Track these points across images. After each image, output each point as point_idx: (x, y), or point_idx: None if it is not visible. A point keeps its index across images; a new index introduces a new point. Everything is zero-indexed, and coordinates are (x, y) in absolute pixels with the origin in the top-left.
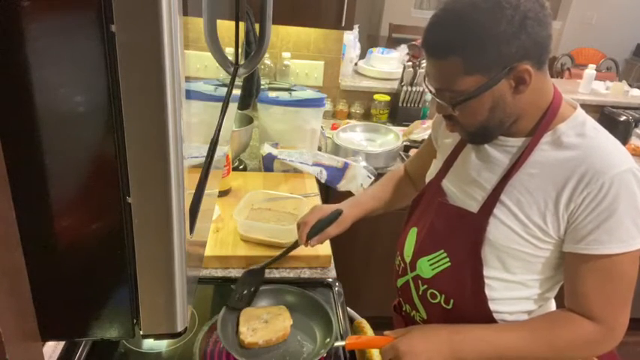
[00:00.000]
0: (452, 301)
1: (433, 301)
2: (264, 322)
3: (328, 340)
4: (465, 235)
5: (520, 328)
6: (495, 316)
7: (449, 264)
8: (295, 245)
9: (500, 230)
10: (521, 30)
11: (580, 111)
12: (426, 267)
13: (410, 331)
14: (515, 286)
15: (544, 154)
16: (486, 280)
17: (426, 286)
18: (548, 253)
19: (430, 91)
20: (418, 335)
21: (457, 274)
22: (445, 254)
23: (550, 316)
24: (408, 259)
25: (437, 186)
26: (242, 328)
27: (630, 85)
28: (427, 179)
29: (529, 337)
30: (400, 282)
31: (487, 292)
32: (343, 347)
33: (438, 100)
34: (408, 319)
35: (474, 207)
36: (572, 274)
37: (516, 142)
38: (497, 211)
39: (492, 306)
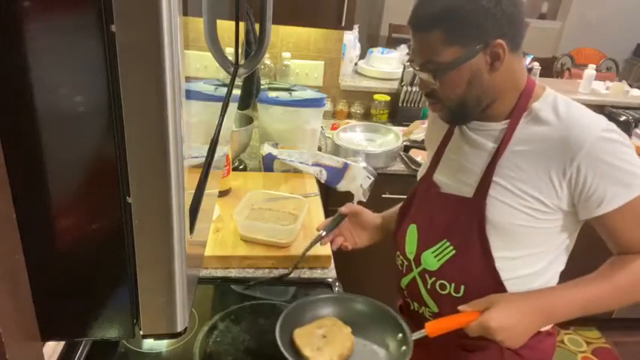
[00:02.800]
0: (462, 287)
1: (443, 292)
2: (324, 338)
3: (401, 335)
4: (465, 220)
5: (598, 280)
6: None
7: (454, 252)
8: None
9: (498, 208)
10: (497, 6)
11: (550, 90)
12: (431, 259)
13: (493, 303)
14: (520, 263)
15: (525, 131)
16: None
17: (433, 279)
18: (547, 224)
19: (414, 69)
20: (505, 308)
21: (463, 260)
22: (448, 243)
23: (617, 262)
24: (411, 256)
25: (429, 180)
26: (308, 352)
27: (630, 85)
28: (419, 177)
29: (609, 287)
30: (405, 281)
31: (499, 272)
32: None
33: (421, 75)
34: (417, 317)
35: (468, 192)
36: (609, 232)
37: (497, 126)
38: (492, 191)
39: (502, 287)
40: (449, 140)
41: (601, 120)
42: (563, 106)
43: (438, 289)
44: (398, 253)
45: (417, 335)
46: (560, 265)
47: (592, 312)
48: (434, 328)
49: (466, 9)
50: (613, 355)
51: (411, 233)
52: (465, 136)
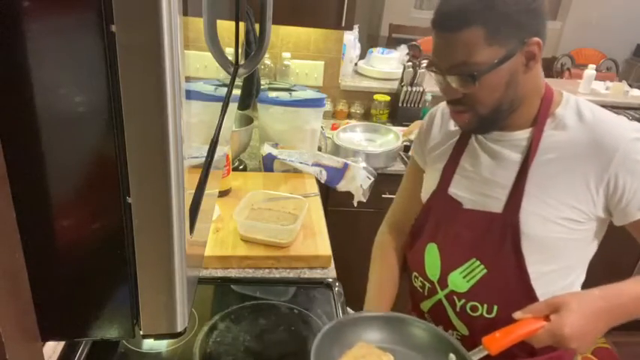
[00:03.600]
0: (495, 308)
1: (474, 314)
2: None
3: (453, 356)
4: (496, 236)
5: None
6: None
7: (485, 271)
8: None
9: (533, 221)
10: (535, 2)
11: (568, 94)
12: (460, 280)
13: (560, 306)
14: (554, 277)
15: (554, 138)
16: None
17: (463, 301)
18: (581, 234)
19: (438, 74)
20: (578, 310)
21: (497, 279)
22: (478, 262)
23: None
24: (435, 278)
25: (444, 196)
26: None
27: (630, 85)
28: (424, 196)
29: None
30: (428, 304)
31: (534, 288)
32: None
33: (451, 80)
34: None
35: (497, 207)
36: None
37: (522, 135)
38: (526, 203)
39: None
40: (462, 152)
41: (626, 120)
42: (587, 109)
43: (469, 311)
44: (415, 274)
45: (476, 354)
46: (584, 274)
47: None
48: (495, 344)
49: (507, 4)
50: (613, 355)
51: (431, 253)
52: (485, 148)
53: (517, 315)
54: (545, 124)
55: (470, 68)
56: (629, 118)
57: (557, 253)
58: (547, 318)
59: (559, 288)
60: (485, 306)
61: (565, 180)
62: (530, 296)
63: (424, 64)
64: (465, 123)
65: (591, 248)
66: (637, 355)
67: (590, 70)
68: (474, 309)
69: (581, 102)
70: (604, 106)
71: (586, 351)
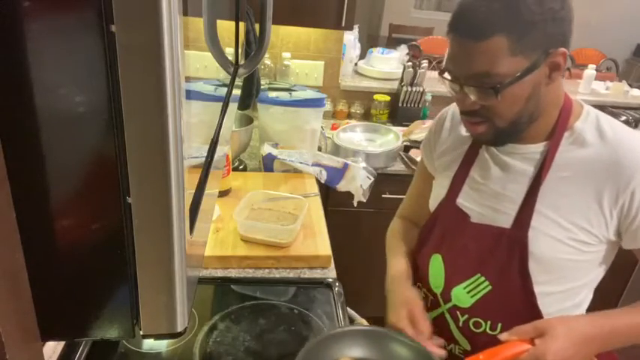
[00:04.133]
0: (499, 325)
1: (477, 331)
2: None
3: None
4: (503, 253)
5: None
6: None
7: (489, 287)
8: None
9: (542, 242)
10: (562, 10)
11: (588, 107)
12: (463, 295)
13: (547, 330)
14: (561, 297)
15: (570, 154)
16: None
17: (466, 316)
18: (590, 256)
19: (455, 82)
20: (565, 336)
21: (501, 297)
22: (483, 278)
23: None
24: (438, 290)
25: (452, 207)
26: None
27: (630, 85)
28: (432, 204)
29: None
30: (431, 316)
31: (540, 307)
32: None
33: (470, 89)
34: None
35: (505, 222)
36: None
37: (537, 148)
38: (536, 222)
39: None
40: (472, 161)
41: None
42: (608, 125)
43: (472, 327)
44: (419, 284)
45: None
46: (591, 294)
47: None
48: None
49: (533, 12)
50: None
51: (435, 265)
52: (496, 160)
53: (503, 337)
54: (562, 137)
55: (491, 80)
56: (629, 119)
57: (565, 275)
58: (532, 341)
59: (565, 308)
60: (488, 323)
61: (578, 200)
62: (535, 315)
63: (424, 64)
64: (480, 134)
65: (600, 271)
66: (637, 356)
67: (590, 70)
68: (477, 325)
69: (601, 116)
70: (604, 106)
71: None
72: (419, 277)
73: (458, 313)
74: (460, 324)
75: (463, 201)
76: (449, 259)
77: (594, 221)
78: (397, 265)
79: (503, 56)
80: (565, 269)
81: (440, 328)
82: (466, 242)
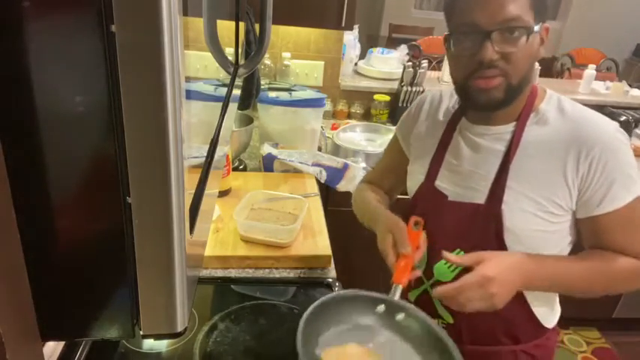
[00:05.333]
0: None
1: None
2: None
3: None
4: (480, 228)
5: (583, 261)
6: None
7: None
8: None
9: (516, 215)
10: None
11: (551, 91)
12: (445, 270)
13: (485, 258)
14: None
15: (534, 133)
16: None
17: None
18: (559, 226)
19: (475, 33)
20: (498, 259)
21: None
22: (463, 252)
23: (597, 252)
24: (421, 268)
25: (431, 189)
26: None
27: (630, 85)
28: (412, 189)
29: (590, 269)
30: (415, 294)
31: None
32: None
33: (498, 36)
34: None
35: (479, 198)
36: (597, 233)
37: (506, 129)
38: (507, 197)
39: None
40: (447, 146)
41: (606, 118)
42: (569, 104)
43: None
44: None
45: (394, 294)
46: None
47: (563, 289)
48: (402, 276)
49: None
50: (613, 355)
51: None
52: (468, 142)
53: (446, 255)
54: (528, 118)
55: (519, 25)
56: (629, 118)
57: (537, 246)
58: (467, 269)
59: None
60: None
61: (545, 174)
62: None
63: (424, 64)
64: (494, 88)
65: (568, 240)
66: (637, 355)
67: (590, 70)
68: None
69: (563, 98)
70: (604, 106)
71: (498, 305)
72: None
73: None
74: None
75: (440, 182)
76: (430, 238)
77: (560, 193)
78: (373, 201)
79: (527, 7)
80: (537, 239)
81: (424, 304)
82: (445, 220)
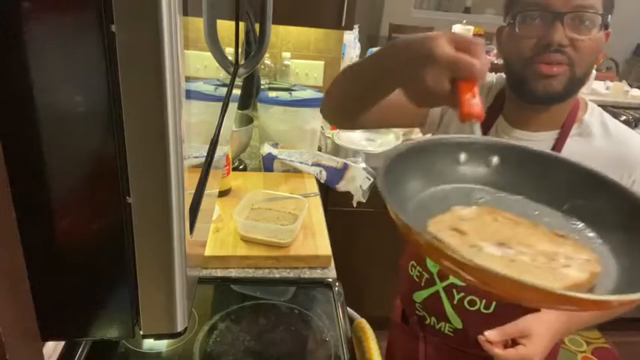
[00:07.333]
0: (493, 304)
1: (471, 309)
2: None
3: None
4: None
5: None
6: None
7: None
8: None
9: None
10: None
11: (591, 102)
12: None
13: (532, 332)
14: None
15: (577, 144)
16: None
17: (462, 294)
18: None
19: (547, 14)
20: (545, 336)
21: None
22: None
23: None
24: (435, 269)
25: None
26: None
27: (630, 85)
28: None
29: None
30: (423, 294)
31: None
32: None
33: (571, 21)
34: (432, 332)
35: None
36: None
37: (547, 136)
38: None
39: None
40: None
41: None
42: (611, 121)
43: (467, 305)
44: (413, 263)
45: None
46: None
47: (575, 330)
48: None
49: None
50: (613, 355)
51: None
52: None
53: (489, 336)
54: (571, 129)
55: (597, 10)
56: (629, 118)
57: None
58: (514, 341)
59: None
60: (483, 301)
61: None
62: None
63: None
64: (556, 75)
65: None
66: (637, 355)
67: None
68: (472, 303)
69: (603, 112)
70: (604, 106)
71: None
72: (413, 256)
73: (454, 290)
74: (455, 302)
75: None
76: None
77: None
78: None
79: (600, 0)
80: None
81: (432, 306)
82: None
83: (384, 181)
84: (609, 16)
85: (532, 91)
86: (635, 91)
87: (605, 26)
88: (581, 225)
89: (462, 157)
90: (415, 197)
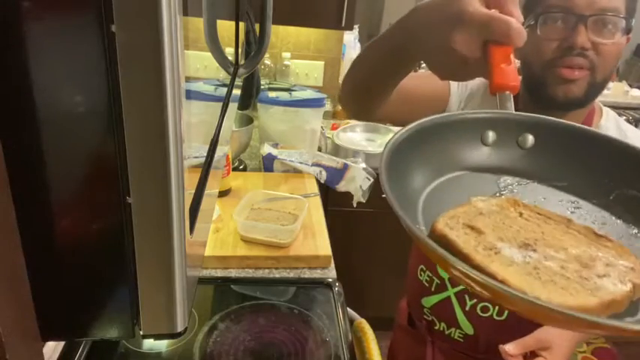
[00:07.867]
0: (506, 312)
1: (484, 315)
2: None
3: None
4: None
5: None
6: None
7: None
8: None
9: None
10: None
11: (605, 107)
12: None
13: (552, 343)
14: None
15: None
16: None
17: (474, 300)
18: None
19: (569, 16)
20: (564, 347)
21: None
22: None
23: None
24: (447, 275)
25: None
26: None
27: (630, 86)
28: None
29: None
30: (433, 299)
31: None
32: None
33: (594, 25)
34: (441, 338)
35: None
36: None
37: None
38: None
39: None
40: None
41: None
42: (624, 125)
43: (479, 312)
44: (422, 267)
45: None
46: None
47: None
48: None
49: None
50: (613, 355)
51: None
52: None
53: (508, 347)
54: None
55: (621, 15)
56: (629, 118)
57: None
58: (533, 352)
59: None
60: (496, 308)
61: None
62: None
63: (424, 64)
64: (576, 80)
65: None
66: (637, 355)
67: None
68: (484, 310)
69: (618, 117)
70: (604, 106)
71: None
72: (424, 261)
73: (466, 296)
74: (467, 308)
75: None
76: None
77: None
78: None
79: (624, 3)
80: None
81: (442, 311)
82: None
83: (387, 165)
84: (633, 20)
85: (551, 96)
86: (635, 91)
87: (627, 30)
88: (626, 222)
89: (490, 136)
90: (426, 187)
